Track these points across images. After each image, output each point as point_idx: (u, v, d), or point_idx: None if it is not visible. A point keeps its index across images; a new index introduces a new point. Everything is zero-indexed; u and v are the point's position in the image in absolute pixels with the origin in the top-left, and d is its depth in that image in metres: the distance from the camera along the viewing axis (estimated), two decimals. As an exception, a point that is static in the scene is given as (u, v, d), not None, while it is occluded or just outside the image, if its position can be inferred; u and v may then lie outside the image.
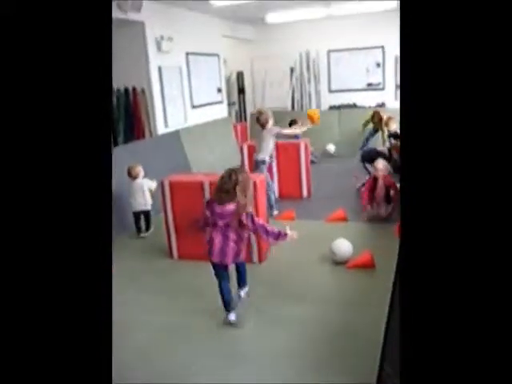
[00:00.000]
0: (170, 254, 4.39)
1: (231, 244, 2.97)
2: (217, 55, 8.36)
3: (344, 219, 5.11)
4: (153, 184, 4.92)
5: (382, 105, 9.58)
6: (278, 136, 5.36)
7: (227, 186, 2.89)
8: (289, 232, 2.91)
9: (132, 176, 4.88)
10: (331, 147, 8.88)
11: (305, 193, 6.16)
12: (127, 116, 6.39)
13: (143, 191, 4.89)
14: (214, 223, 2.99)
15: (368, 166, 6.15)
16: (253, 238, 4.06)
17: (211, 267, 3.13)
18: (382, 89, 9.81)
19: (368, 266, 3.87)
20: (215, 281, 3.14)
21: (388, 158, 6.21)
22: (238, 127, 9.41)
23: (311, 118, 5.94)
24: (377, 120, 8.23)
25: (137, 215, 4.97)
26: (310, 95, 10.28)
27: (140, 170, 4.90)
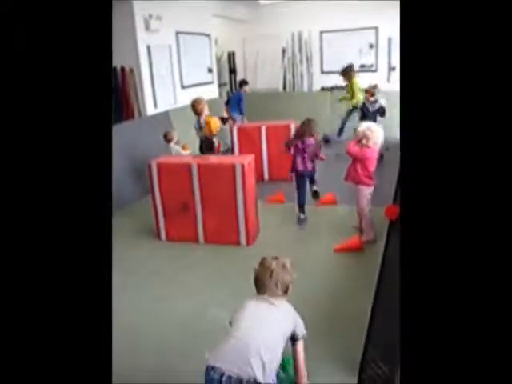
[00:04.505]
0: (158, 236, 4.37)
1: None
2: (208, 35, 8.23)
3: (333, 202, 5.10)
4: (182, 152, 5.48)
5: (375, 87, 9.50)
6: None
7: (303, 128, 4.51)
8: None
9: (167, 139, 5.53)
10: None
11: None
12: (115, 96, 6.28)
13: (173, 154, 5.38)
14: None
15: None
16: (241, 220, 4.04)
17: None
18: (375, 70, 9.73)
19: (356, 250, 3.87)
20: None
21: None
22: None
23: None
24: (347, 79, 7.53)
25: None
26: (301, 76, 10.19)
27: (174, 136, 5.57)
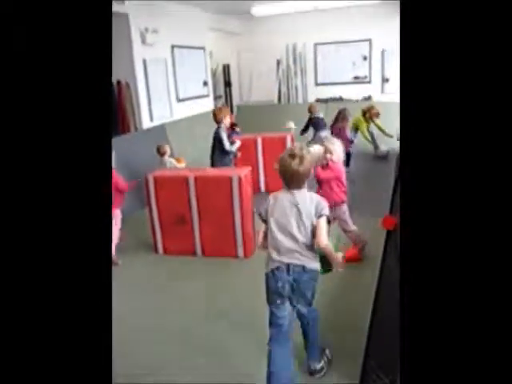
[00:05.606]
0: (155, 250, 4.36)
1: None
2: (202, 48, 8.29)
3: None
4: (177, 165, 5.64)
5: (369, 98, 9.59)
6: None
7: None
8: None
9: (160, 153, 5.62)
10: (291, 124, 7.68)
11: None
12: (111, 110, 6.32)
13: (167, 167, 5.50)
14: None
15: None
16: (238, 232, 4.03)
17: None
18: (369, 82, 9.82)
19: (354, 261, 3.87)
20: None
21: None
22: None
23: None
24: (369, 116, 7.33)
25: None
26: (296, 88, 10.26)
27: (167, 149, 5.66)
